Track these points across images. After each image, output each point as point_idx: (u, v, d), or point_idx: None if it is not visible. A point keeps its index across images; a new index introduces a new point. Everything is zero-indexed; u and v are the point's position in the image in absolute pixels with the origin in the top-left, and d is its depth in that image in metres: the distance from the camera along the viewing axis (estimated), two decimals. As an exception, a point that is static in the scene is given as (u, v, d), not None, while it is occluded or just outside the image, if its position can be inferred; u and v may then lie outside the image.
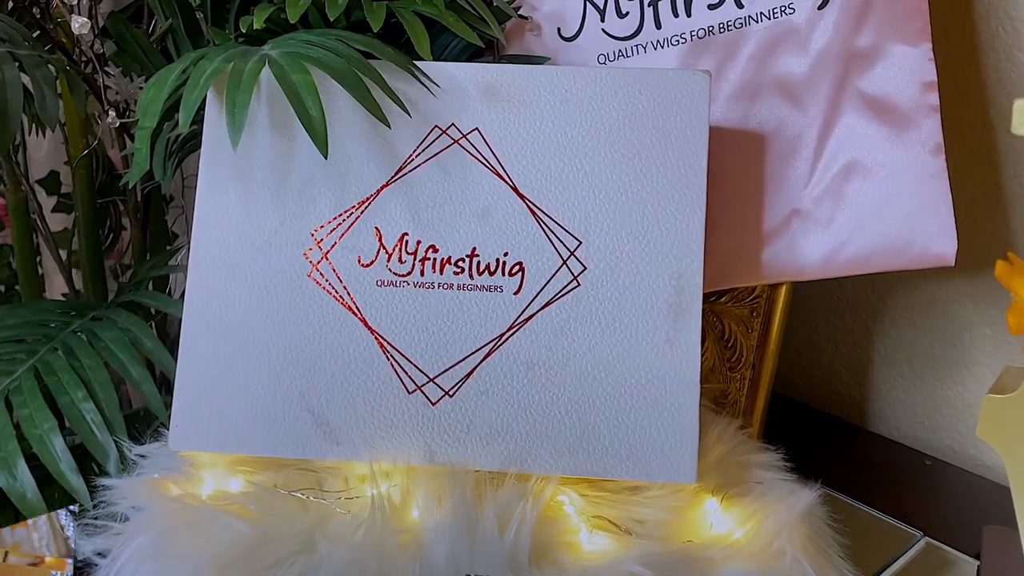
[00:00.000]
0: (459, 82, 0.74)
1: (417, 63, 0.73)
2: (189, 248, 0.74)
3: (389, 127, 0.70)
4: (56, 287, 1.12)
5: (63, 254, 1.08)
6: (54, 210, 1.14)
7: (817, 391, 1.13)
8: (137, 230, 1.01)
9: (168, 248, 1.08)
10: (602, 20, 0.86)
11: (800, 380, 1.14)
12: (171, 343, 1.01)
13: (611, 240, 0.71)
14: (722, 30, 0.82)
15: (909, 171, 0.78)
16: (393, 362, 0.71)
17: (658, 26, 0.84)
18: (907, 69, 0.78)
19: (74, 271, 1.07)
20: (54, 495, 0.79)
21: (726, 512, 0.70)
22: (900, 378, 1.04)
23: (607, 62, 0.86)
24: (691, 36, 0.83)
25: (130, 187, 0.94)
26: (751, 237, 0.81)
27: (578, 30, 0.88)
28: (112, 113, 0.86)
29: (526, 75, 0.74)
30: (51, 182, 1.14)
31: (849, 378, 1.09)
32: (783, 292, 0.84)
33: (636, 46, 0.85)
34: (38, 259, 1.10)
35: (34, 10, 0.89)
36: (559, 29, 0.88)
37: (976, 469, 0.99)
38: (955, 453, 1.01)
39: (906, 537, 0.85)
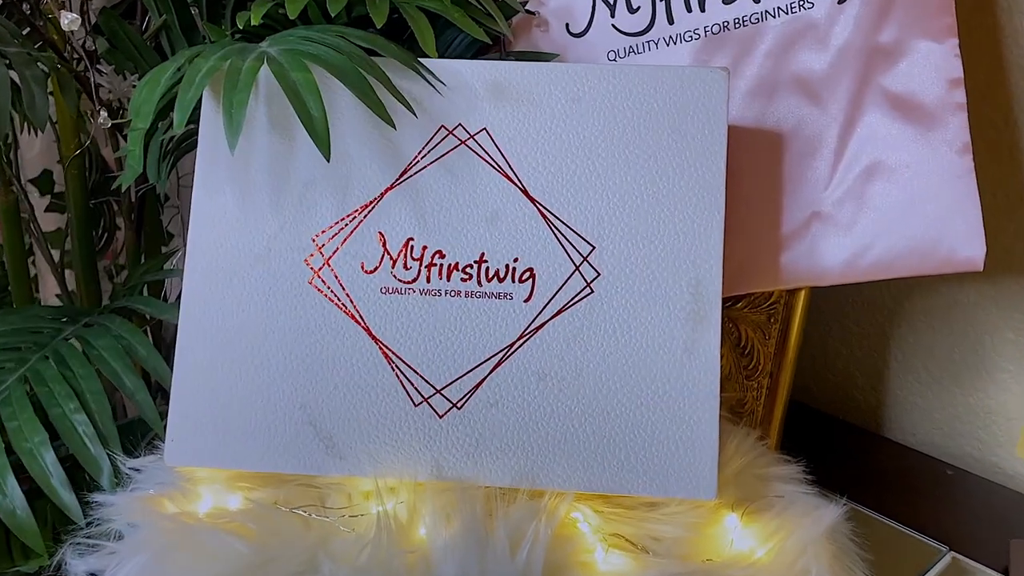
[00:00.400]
0: (466, 80, 0.71)
1: (422, 60, 0.70)
2: (185, 251, 0.71)
3: (394, 127, 0.67)
4: (50, 287, 1.10)
5: (56, 255, 1.05)
6: (47, 210, 1.11)
7: (831, 396, 1.10)
8: (131, 232, 0.99)
9: (163, 249, 1.06)
10: (612, 15, 0.83)
11: (813, 385, 1.11)
12: (167, 348, 0.99)
13: (626, 245, 0.69)
14: (737, 26, 0.79)
15: (935, 171, 0.75)
16: (398, 373, 0.68)
17: (671, 21, 0.81)
18: (932, 66, 0.75)
19: (68, 271, 1.04)
20: (45, 510, 0.76)
21: (747, 528, 0.67)
22: (917, 383, 1.02)
23: (617, 59, 0.84)
24: (705, 32, 0.80)
25: (123, 190, 0.91)
26: (769, 240, 0.78)
27: (587, 26, 0.85)
28: (104, 112, 0.83)
29: (536, 73, 0.71)
30: (44, 181, 1.11)
31: (864, 383, 1.07)
32: (802, 297, 0.82)
33: (647, 42, 0.83)
34: (31, 259, 1.07)
35: (24, 6, 0.86)
36: (567, 25, 0.85)
37: (996, 477, 0.97)
38: (975, 461, 0.98)
39: (931, 552, 0.82)
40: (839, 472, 0.78)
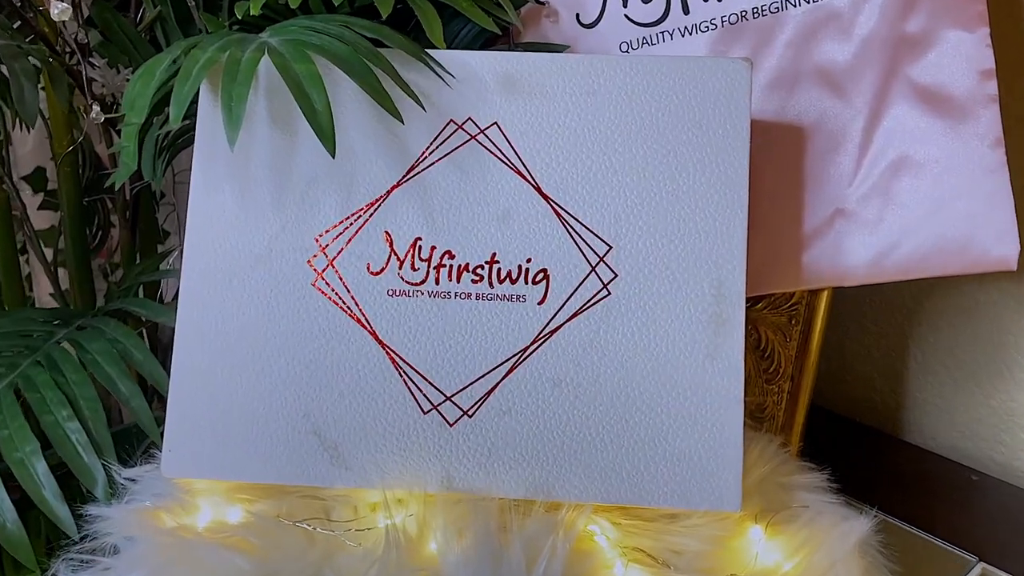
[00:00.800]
0: (476, 72, 0.68)
1: (429, 52, 0.67)
2: (181, 252, 0.68)
3: (402, 122, 0.64)
4: (44, 286, 1.07)
5: (50, 253, 1.03)
6: (40, 208, 1.09)
7: (848, 398, 1.07)
8: (126, 231, 0.96)
9: (159, 248, 1.03)
10: (624, 5, 0.80)
11: (829, 387, 1.08)
12: (163, 350, 0.96)
13: (644, 244, 0.66)
14: (756, 15, 0.76)
15: (966, 167, 0.72)
16: (407, 379, 0.65)
17: (686, 11, 0.78)
18: (963, 56, 0.72)
19: (63, 270, 1.02)
20: (38, 521, 0.74)
21: (771, 541, 0.64)
22: (938, 385, 0.99)
23: (629, 51, 0.81)
24: (722, 22, 0.77)
25: (117, 188, 0.88)
26: (790, 239, 0.76)
27: (598, 16, 0.82)
28: (96, 107, 0.80)
29: (549, 64, 0.68)
30: (37, 179, 1.09)
31: (883, 385, 1.04)
32: (824, 298, 0.79)
33: (662, 33, 0.79)
34: (25, 258, 1.04)
35: (13, -3, 0.84)
36: (578, 15, 0.82)
37: (1020, 482, 0.94)
38: (997, 465, 0.96)
39: (961, 562, 0.79)
40: (858, 477, 0.76)
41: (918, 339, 1.00)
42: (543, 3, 0.82)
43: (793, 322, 0.79)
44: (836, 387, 1.08)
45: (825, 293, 0.79)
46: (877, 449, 1.01)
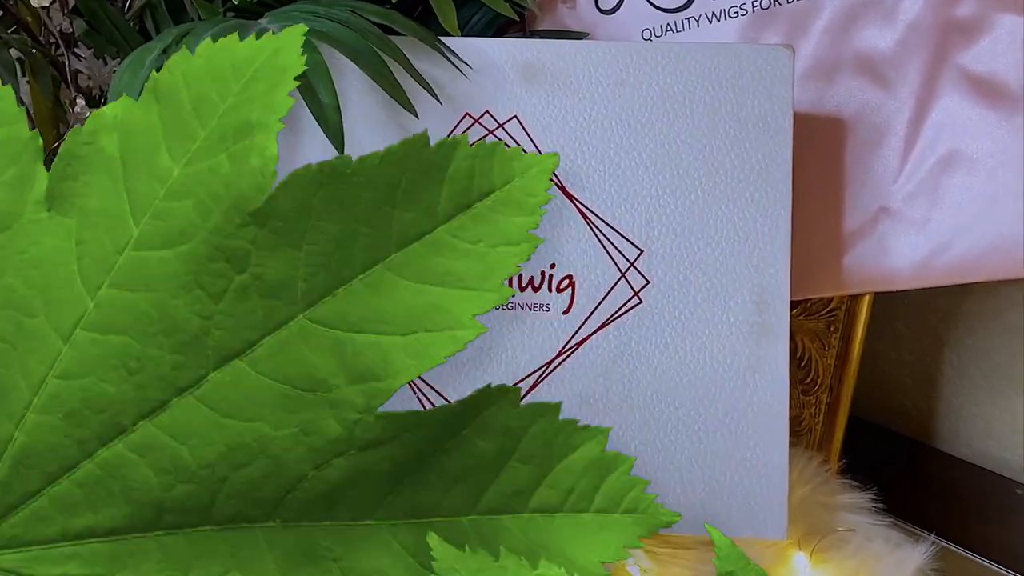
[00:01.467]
0: (493, 61, 0.63)
1: (443, 39, 0.62)
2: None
3: (416, 115, 0.59)
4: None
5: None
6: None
7: (879, 404, 1.03)
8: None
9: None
10: (647, -11, 0.75)
11: (859, 393, 1.03)
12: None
13: (679, 248, 0.61)
14: (790, -1, 0.72)
15: (1022, 162, 0.67)
16: (420, 396, 0.61)
17: (714, -5, 0.74)
18: (1019, 43, 0.67)
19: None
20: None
21: (818, 569, 0.60)
22: (974, 391, 0.94)
23: (652, 39, 0.75)
24: (753, 7, 0.72)
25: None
26: (830, 240, 0.71)
27: (619, 1, 0.77)
28: (81, 101, 0.75)
29: (573, 52, 0.63)
30: (23, 176, 1.03)
31: (915, 390, 0.99)
32: (865, 304, 0.75)
33: (687, 19, 0.74)
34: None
35: (-8, -15, 0.79)
36: (596, 1, 0.77)
37: (1065, 496, 0.89)
38: (1040, 476, 0.91)
39: (1016, 588, 0.75)
40: (897, 491, 0.71)
41: (953, 342, 0.95)
42: (559, -14, 0.77)
43: (832, 329, 0.75)
44: (866, 392, 1.03)
45: (867, 298, 0.75)
46: (913, 460, 0.96)
